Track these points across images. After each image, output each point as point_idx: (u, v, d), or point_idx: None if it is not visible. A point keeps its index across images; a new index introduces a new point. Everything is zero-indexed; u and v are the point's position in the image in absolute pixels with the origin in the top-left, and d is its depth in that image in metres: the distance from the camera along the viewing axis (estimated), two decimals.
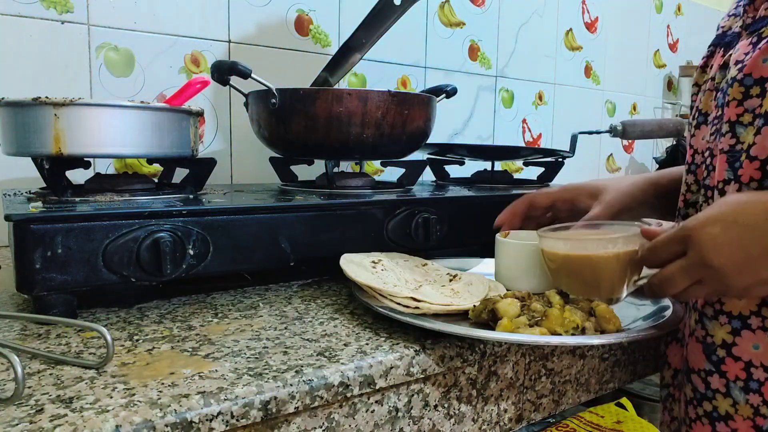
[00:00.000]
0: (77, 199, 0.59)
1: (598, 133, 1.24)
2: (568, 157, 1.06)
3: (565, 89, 1.57)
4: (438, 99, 0.85)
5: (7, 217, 0.48)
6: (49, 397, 0.36)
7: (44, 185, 0.68)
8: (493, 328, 0.49)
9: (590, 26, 1.62)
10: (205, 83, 0.73)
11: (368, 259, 0.62)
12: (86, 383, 0.38)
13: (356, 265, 0.60)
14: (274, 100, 0.73)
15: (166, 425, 0.34)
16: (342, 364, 0.43)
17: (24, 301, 0.56)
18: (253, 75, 0.73)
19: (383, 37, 0.82)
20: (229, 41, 0.98)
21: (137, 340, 0.46)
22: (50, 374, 0.40)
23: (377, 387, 0.44)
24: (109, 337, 0.41)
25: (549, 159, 1.08)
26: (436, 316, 0.52)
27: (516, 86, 1.45)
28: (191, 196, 0.65)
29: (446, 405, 0.50)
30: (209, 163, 0.69)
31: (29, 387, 0.37)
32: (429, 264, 0.67)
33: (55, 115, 0.58)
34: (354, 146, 0.75)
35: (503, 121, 1.43)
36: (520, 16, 1.44)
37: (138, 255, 0.52)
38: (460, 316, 0.53)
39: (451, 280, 0.63)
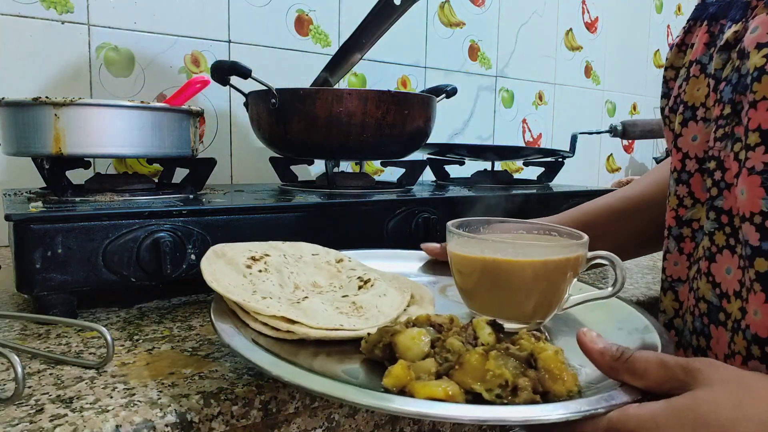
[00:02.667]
0: (77, 199, 0.59)
1: (598, 133, 1.24)
2: (568, 157, 1.06)
3: (565, 89, 1.57)
4: (438, 99, 0.85)
5: (8, 217, 0.48)
6: (49, 397, 0.36)
7: (44, 185, 0.68)
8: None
9: (590, 26, 1.62)
10: (205, 83, 0.73)
11: (246, 255, 0.47)
12: (86, 383, 0.38)
13: (225, 263, 0.45)
14: (274, 100, 0.73)
15: (166, 425, 0.34)
16: None
17: (24, 301, 0.56)
18: (253, 75, 0.73)
19: (383, 37, 0.82)
20: (229, 41, 0.98)
21: (137, 340, 0.46)
22: (50, 374, 0.40)
23: None
24: (109, 337, 0.41)
25: (549, 159, 1.08)
26: (320, 343, 0.39)
27: (516, 86, 1.45)
28: (191, 196, 0.65)
29: None
30: (209, 163, 0.69)
31: (29, 387, 0.37)
32: (345, 260, 0.52)
33: (56, 115, 0.58)
34: (354, 146, 0.75)
35: (503, 121, 1.43)
36: (520, 16, 1.44)
37: (138, 255, 0.52)
38: (357, 343, 0.39)
39: (360, 287, 0.47)
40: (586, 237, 0.45)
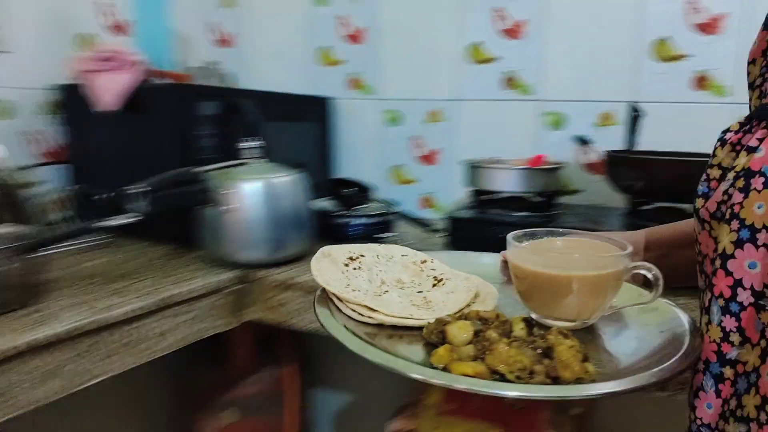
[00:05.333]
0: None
1: None
2: None
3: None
4: None
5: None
6: None
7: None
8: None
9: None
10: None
11: (346, 255, 0.57)
12: None
13: (329, 262, 0.55)
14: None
15: None
16: None
17: None
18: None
19: None
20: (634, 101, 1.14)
21: None
22: None
23: None
24: None
25: None
26: (395, 327, 0.49)
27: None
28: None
29: None
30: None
31: None
32: (429, 261, 0.60)
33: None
34: None
35: None
36: None
37: None
38: (422, 330, 0.49)
39: (434, 285, 0.57)
40: (630, 248, 0.49)
